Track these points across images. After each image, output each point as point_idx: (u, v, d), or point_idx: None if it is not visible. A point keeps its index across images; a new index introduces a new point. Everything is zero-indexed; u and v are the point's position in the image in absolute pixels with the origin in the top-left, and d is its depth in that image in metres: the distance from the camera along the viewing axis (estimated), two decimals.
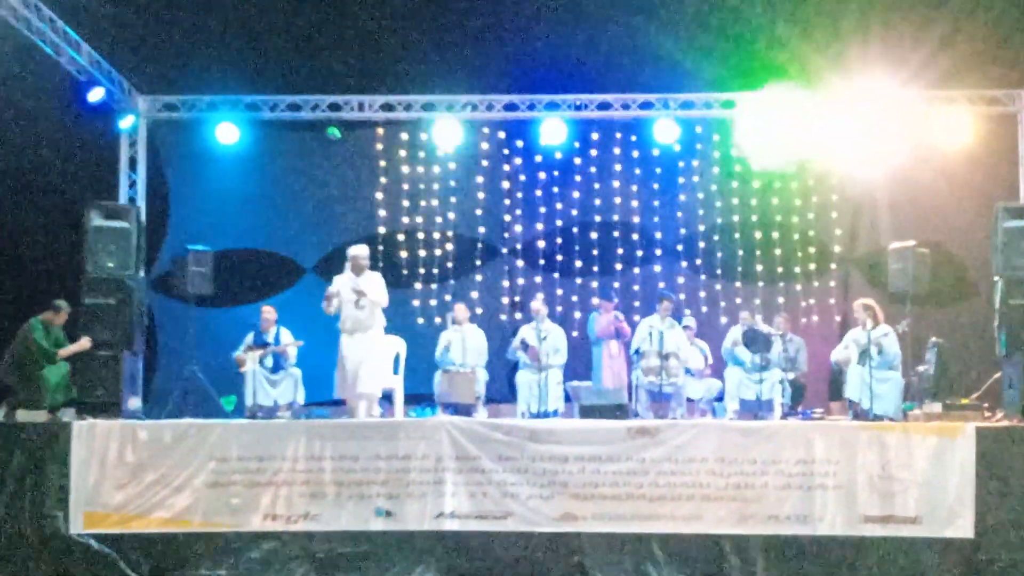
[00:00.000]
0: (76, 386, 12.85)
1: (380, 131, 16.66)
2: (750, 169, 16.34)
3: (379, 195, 16.73)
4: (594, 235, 16.80)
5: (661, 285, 16.50)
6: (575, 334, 15.89)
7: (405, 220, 16.77)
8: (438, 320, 16.38)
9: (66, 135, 15.25)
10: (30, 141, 14.95)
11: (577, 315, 16.45)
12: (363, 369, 12.78)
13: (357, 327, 12.93)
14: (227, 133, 16.05)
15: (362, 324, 12.93)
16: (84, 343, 12.93)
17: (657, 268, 16.82)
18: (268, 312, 14.69)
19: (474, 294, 16.68)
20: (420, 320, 16.51)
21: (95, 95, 14.70)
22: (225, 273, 15.31)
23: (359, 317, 12.93)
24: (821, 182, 16.51)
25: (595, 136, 16.73)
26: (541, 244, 16.89)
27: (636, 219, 16.83)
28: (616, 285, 16.47)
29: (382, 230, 16.68)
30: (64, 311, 13.04)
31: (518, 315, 16.03)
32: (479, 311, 16.35)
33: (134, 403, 13.40)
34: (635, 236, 16.82)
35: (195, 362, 13.97)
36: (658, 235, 16.83)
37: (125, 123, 15.72)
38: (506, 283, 16.87)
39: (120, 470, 11.57)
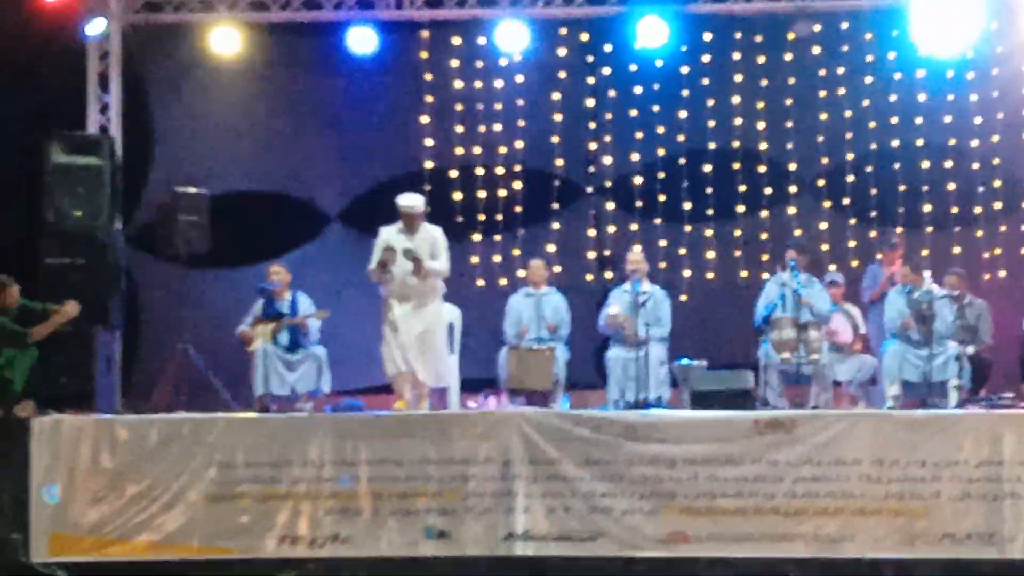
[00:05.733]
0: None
1: (425, 35, 16.68)
2: (913, 76, 16.25)
3: (424, 119, 16.80)
4: (707, 168, 16.73)
5: (797, 233, 16.38)
6: (684, 297, 15.86)
7: (459, 151, 16.83)
8: (504, 281, 16.41)
9: (15, 45, 15.30)
10: None
11: (687, 272, 16.40)
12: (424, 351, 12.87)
13: (411, 293, 13.02)
14: (226, 41, 16.10)
15: (417, 290, 13.03)
16: (70, 309, 12.67)
17: (792, 210, 16.77)
18: (277, 273, 14.76)
19: (551, 247, 16.71)
20: (480, 282, 16.61)
21: None
22: (225, 224, 15.34)
23: (414, 282, 13.04)
24: (1009, 88, 16.29)
25: (707, 37, 16.59)
26: (638, 180, 16.88)
27: (763, 146, 16.76)
28: (737, 233, 16.42)
29: (429, 165, 16.75)
30: (11, 288, 12.68)
31: (609, 274, 15.98)
32: (558, 269, 16.34)
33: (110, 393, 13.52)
34: (762, 168, 16.76)
35: (188, 340, 14.06)
36: (792, 166, 16.77)
37: (93, 28, 15.76)
38: (592, 232, 16.90)
39: (95, 480, 11.63)
